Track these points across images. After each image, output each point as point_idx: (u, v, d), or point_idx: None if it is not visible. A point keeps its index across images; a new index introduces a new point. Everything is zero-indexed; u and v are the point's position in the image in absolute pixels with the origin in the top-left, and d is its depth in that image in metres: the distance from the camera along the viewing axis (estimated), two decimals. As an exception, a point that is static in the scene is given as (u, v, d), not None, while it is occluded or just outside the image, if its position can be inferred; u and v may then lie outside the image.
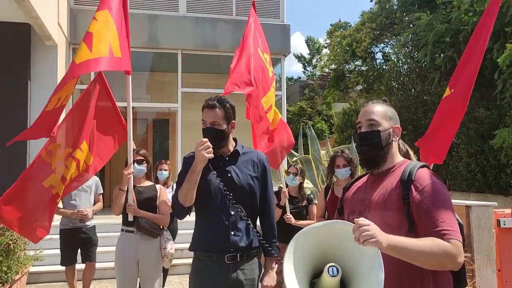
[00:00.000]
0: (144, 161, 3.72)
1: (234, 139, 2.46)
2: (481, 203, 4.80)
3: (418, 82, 13.38)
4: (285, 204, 4.11)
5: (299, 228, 4.45)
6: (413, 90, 13.64)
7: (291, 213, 4.07)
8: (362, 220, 1.43)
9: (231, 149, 2.42)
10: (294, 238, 1.53)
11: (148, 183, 3.81)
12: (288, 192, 4.15)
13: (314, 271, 1.59)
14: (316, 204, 4.45)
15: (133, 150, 3.71)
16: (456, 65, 4.02)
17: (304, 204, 4.29)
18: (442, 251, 1.48)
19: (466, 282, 1.80)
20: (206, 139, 2.21)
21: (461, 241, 1.55)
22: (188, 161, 2.31)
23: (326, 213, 3.96)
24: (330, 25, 18.29)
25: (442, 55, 11.63)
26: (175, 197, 2.29)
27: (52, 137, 3.39)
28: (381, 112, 1.78)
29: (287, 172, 4.30)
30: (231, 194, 2.26)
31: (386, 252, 1.45)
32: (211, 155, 2.19)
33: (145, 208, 3.59)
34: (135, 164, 3.64)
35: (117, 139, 3.68)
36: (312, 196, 4.50)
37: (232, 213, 2.29)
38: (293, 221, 3.99)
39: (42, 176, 3.34)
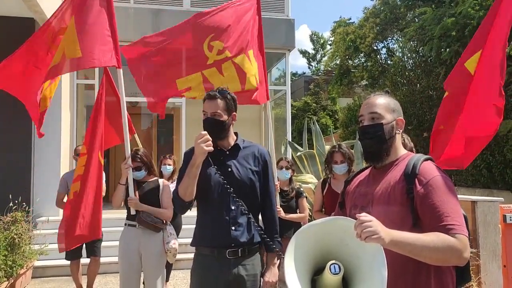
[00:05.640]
0: (143, 166, 3.70)
1: (235, 133, 2.42)
2: (487, 198, 4.77)
3: (423, 77, 13.25)
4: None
5: (290, 222, 4.34)
6: (418, 85, 13.51)
7: (281, 206, 4.04)
8: (364, 216, 1.40)
9: (232, 143, 2.38)
10: (295, 235, 1.49)
11: (151, 177, 3.81)
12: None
13: (315, 268, 1.55)
14: (306, 197, 4.42)
15: (132, 150, 3.72)
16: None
17: (293, 197, 4.27)
18: (447, 246, 1.44)
19: (469, 277, 1.76)
20: (205, 132, 2.16)
21: (467, 235, 1.50)
22: (188, 155, 2.28)
23: (323, 207, 3.94)
24: (333, 22, 18.27)
25: (448, 49, 11.49)
26: (175, 192, 2.26)
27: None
28: (383, 105, 1.73)
29: (278, 166, 4.26)
30: (231, 189, 2.22)
31: (388, 248, 1.41)
32: (211, 148, 2.14)
33: (148, 202, 3.59)
34: (134, 171, 3.63)
35: (120, 133, 3.83)
36: (301, 189, 4.48)
37: (233, 208, 2.26)
38: (282, 214, 3.95)
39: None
